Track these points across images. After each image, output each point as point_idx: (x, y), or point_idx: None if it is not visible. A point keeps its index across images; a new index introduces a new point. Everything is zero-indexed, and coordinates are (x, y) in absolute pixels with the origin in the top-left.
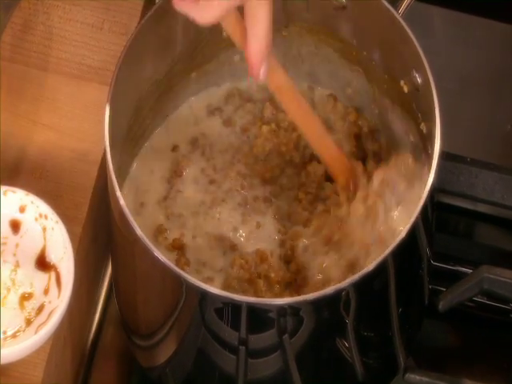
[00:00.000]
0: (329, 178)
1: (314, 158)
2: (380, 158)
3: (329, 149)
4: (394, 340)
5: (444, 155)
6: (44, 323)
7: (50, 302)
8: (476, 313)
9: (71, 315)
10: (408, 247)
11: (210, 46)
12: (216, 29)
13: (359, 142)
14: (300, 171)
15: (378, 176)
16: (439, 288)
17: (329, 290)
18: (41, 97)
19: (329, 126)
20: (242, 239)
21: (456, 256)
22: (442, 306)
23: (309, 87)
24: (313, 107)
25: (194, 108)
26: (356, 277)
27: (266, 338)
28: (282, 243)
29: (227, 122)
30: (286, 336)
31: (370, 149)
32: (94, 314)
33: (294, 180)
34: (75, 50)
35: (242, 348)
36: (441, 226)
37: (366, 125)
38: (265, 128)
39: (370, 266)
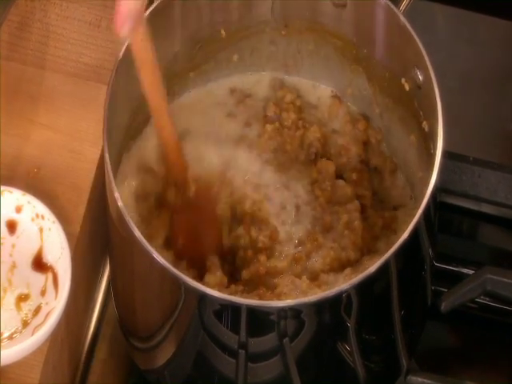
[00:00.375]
0: (340, 176)
1: (320, 155)
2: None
3: (168, 137)
4: (397, 342)
5: (446, 154)
6: (41, 325)
7: (46, 304)
8: (479, 314)
9: (68, 316)
10: (410, 248)
11: (208, 46)
12: (215, 29)
13: (365, 148)
14: (308, 168)
15: None
16: (442, 289)
17: (330, 292)
18: (38, 95)
19: (333, 129)
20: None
21: (459, 257)
22: (444, 307)
23: (313, 86)
24: (316, 108)
25: (193, 105)
26: (357, 279)
27: (267, 341)
28: (299, 242)
29: (230, 115)
30: (286, 339)
31: (373, 162)
32: (92, 315)
33: (305, 174)
34: (72, 48)
35: (242, 352)
36: (443, 226)
37: (373, 135)
38: (268, 126)
39: (371, 267)
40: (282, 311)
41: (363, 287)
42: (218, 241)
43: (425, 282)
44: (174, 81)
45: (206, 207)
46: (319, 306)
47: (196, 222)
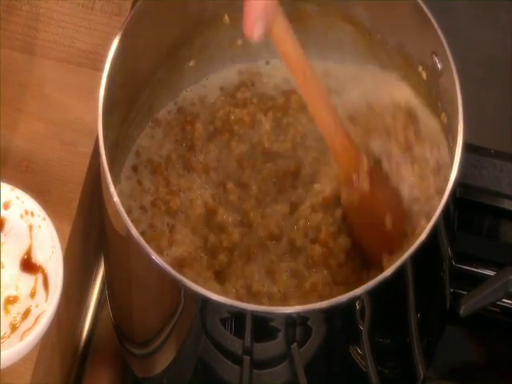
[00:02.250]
0: None
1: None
2: None
3: (336, 133)
4: (413, 349)
5: (466, 147)
6: (30, 329)
7: (36, 306)
8: (501, 318)
9: (60, 320)
10: (428, 248)
11: (210, 31)
12: (218, 14)
13: None
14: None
15: None
16: (461, 292)
17: (341, 298)
18: (26, 83)
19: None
20: None
21: (479, 257)
22: (463, 310)
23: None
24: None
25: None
26: (372, 283)
27: (273, 347)
28: None
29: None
30: (294, 345)
31: None
32: (85, 319)
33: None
34: (64, 32)
35: (247, 358)
36: (463, 224)
37: None
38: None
39: (387, 271)
40: (290, 318)
41: (378, 292)
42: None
43: (443, 284)
44: (175, 69)
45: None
46: (330, 313)
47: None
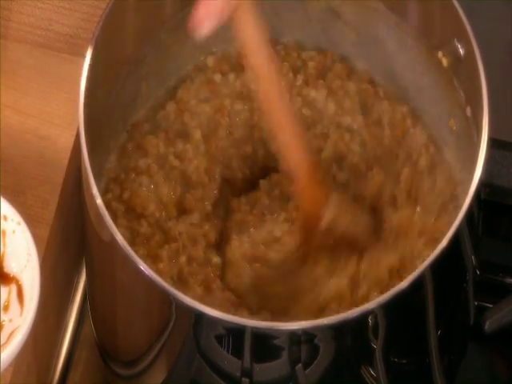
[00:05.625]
0: None
1: None
2: None
3: (296, 153)
4: (433, 369)
5: (491, 143)
6: (3, 346)
7: (10, 321)
8: None
9: (36, 337)
10: (450, 256)
11: None
12: None
13: None
14: None
15: None
16: (486, 304)
17: (352, 312)
18: None
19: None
20: None
21: (506, 265)
22: (488, 325)
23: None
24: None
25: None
26: (386, 296)
27: (275, 368)
28: None
29: None
30: (299, 366)
31: None
32: (64, 335)
33: None
34: (41, 14)
35: (246, 380)
36: (488, 229)
37: None
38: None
39: (403, 282)
40: (294, 335)
41: (393, 306)
42: None
43: (466, 297)
44: (167, 54)
45: None
46: (339, 330)
47: None
